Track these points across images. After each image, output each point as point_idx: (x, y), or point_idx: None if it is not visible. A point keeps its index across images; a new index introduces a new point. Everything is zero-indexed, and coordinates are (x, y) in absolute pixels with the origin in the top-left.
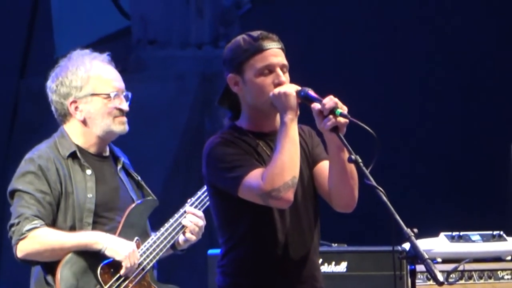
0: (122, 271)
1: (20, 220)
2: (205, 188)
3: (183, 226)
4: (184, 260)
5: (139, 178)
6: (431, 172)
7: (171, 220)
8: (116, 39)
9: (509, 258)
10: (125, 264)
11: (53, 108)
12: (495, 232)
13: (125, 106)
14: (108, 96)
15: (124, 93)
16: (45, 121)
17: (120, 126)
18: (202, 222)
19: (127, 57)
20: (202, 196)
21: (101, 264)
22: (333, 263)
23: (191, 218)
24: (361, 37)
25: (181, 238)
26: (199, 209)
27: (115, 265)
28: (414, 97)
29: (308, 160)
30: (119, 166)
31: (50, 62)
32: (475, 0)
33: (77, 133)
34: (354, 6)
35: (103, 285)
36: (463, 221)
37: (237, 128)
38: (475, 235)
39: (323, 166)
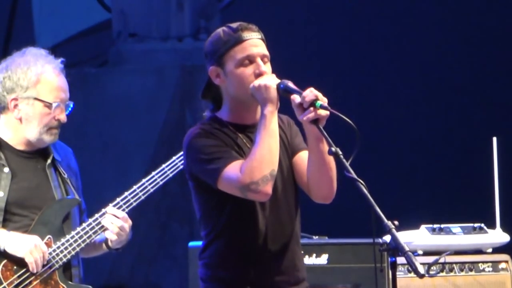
0: (27, 267)
1: None
2: (132, 189)
3: (103, 226)
4: (165, 252)
5: (66, 175)
6: (412, 164)
7: (90, 220)
8: (96, 32)
9: (490, 250)
10: (28, 260)
11: None
12: (476, 225)
13: (63, 117)
14: (50, 105)
15: (67, 103)
16: None
17: (51, 136)
18: (121, 223)
19: (108, 50)
20: (129, 197)
21: (4, 261)
22: (314, 255)
23: (110, 219)
24: (342, 30)
25: (106, 238)
26: (124, 209)
27: (20, 262)
28: (396, 90)
29: (287, 150)
30: (48, 162)
31: None
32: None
33: (9, 128)
34: None
35: (3, 281)
36: (444, 213)
37: (218, 119)
38: (456, 227)
39: (302, 156)
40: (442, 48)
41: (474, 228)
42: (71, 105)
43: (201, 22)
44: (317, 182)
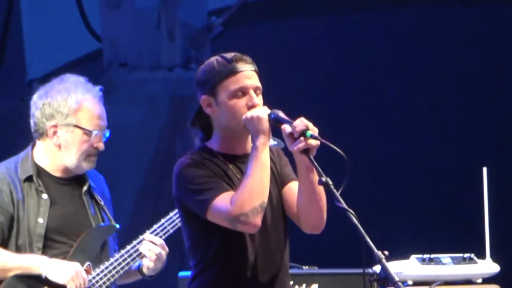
0: None
1: None
2: (170, 215)
3: (140, 253)
4: (155, 282)
5: (102, 202)
6: (402, 194)
7: (128, 247)
8: (87, 61)
9: (480, 281)
10: (70, 287)
11: (31, 122)
12: (466, 255)
13: (101, 146)
14: (90, 132)
15: (104, 131)
16: (15, 143)
17: (89, 164)
18: (159, 250)
19: (98, 79)
20: (166, 224)
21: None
22: (304, 285)
23: (148, 246)
24: (335, 59)
25: (143, 264)
26: (161, 236)
27: None
28: (386, 122)
29: (277, 181)
30: (84, 189)
31: (21, 84)
32: (463, 20)
33: (47, 155)
34: (328, 28)
35: None
36: (434, 243)
37: (208, 149)
38: (446, 257)
39: (292, 187)
40: (432, 79)
41: (464, 259)
42: (108, 133)
43: (191, 52)
44: (307, 212)
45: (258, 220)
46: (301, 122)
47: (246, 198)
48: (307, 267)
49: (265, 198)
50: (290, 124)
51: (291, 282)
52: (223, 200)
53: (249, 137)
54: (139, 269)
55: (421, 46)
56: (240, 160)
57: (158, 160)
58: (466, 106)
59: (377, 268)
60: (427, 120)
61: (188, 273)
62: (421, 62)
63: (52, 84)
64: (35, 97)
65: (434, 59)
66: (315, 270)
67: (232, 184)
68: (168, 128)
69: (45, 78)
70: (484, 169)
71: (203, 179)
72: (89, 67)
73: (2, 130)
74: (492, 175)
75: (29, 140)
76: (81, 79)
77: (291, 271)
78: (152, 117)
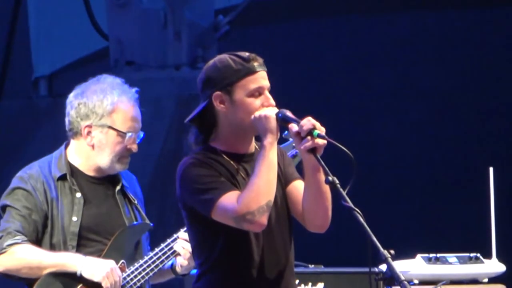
0: None
1: (3, 235)
2: None
3: (174, 251)
4: (172, 278)
5: (136, 201)
6: (408, 193)
7: (162, 245)
8: (94, 60)
9: (485, 280)
10: (105, 284)
11: (66, 121)
12: (472, 254)
13: (135, 148)
14: (124, 134)
15: (138, 133)
16: (24, 142)
17: (122, 165)
18: None
19: None
20: None
21: (79, 286)
22: (310, 284)
23: (182, 244)
24: (341, 59)
25: (177, 263)
26: None
27: (96, 287)
28: (394, 120)
29: (281, 180)
30: (117, 189)
31: (28, 82)
32: (469, 19)
33: (80, 154)
34: (335, 29)
35: None
36: (440, 243)
37: (211, 148)
38: (452, 257)
39: (296, 186)
40: (439, 79)
41: (470, 258)
42: (142, 135)
43: (198, 51)
44: (312, 212)
45: (264, 219)
46: (308, 121)
47: (253, 197)
48: (313, 265)
49: (271, 197)
50: (297, 123)
51: (297, 281)
52: (229, 199)
53: (253, 138)
54: (172, 268)
55: (428, 45)
56: (244, 159)
57: (163, 162)
58: (472, 106)
59: (383, 267)
60: (433, 119)
61: (193, 271)
62: (427, 61)
63: (88, 84)
64: (71, 96)
65: (440, 57)
66: (321, 269)
67: (237, 183)
68: (174, 128)
69: (52, 77)
70: (491, 169)
71: (208, 178)
72: (95, 65)
73: (10, 128)
74: (498, 175)
75: (37, 137)
76: (117, 81)
77: (297, 269)
78: (158, 117)
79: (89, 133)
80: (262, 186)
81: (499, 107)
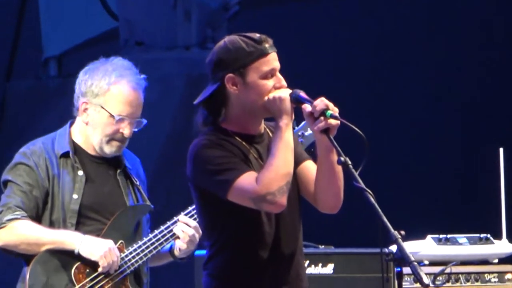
0: (99, 270)
1: (3, 209)
2: None
3: (174, 234)
4: (170, 261)
5: (138, 182)
6: (418, 174)
7: (162, 227)
8: (104, 40)
9: (496, 261)
10: (102, 264)
11: (74, 97)
12: (482, 235)
13: (127, 132)
14: (112, 116)
15: (137, 120)
16: (32, 123)
17: (112, 148)
18: (192, 232)
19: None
20: None
21: (77, 263)
22: (320, 265)
23: (182, 227)
24: (351, 39)
25: (175, 246)
26: (195, 219)
27: (93, 266)
28: (404, 101)
29: None
30: (119, 170)
31: (38, 63)
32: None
33: (80, 132)
34: (347, 10)
35: (76, 283)
36: (450, 223)
37: (222, 129)
38: (462, 237)
39: (307, 166)
40: (449, 60)
41: (480, 239)
42: (143, 122)
43: (208, 31)
44: (325, 192)
45: (284, 200)
46: (322, 102)
47: (273, 177)
48: (323, 246)
49: (290, 177)
50: (311, 103)
51: (307, 262)
52: (247, 180)
53: (263, 118)
54: (170, 251)
55: (440, 31)
56: (255, 140)
57: (172, 142)
58: (482, 87)
59: (393, 248)
60: (444, 100)
61: (203, 252)
62: (438, 45)
63: (96, 63)
64: (80, 73)
65: (451, 42)
66: (331, 249)
67: (250, 164)
68: (183, 108)
69: (61, 57)
70: (501, 150)
71: (222, 159)
72: (105, 45)
73: (19, 108)
74: (508, 155)
75: (45, 118)
76: (125, 63)
77: (307, 250)
78: (166, 97)
79: (85, 110)
80: (281, 167)
81: (509, 87)
